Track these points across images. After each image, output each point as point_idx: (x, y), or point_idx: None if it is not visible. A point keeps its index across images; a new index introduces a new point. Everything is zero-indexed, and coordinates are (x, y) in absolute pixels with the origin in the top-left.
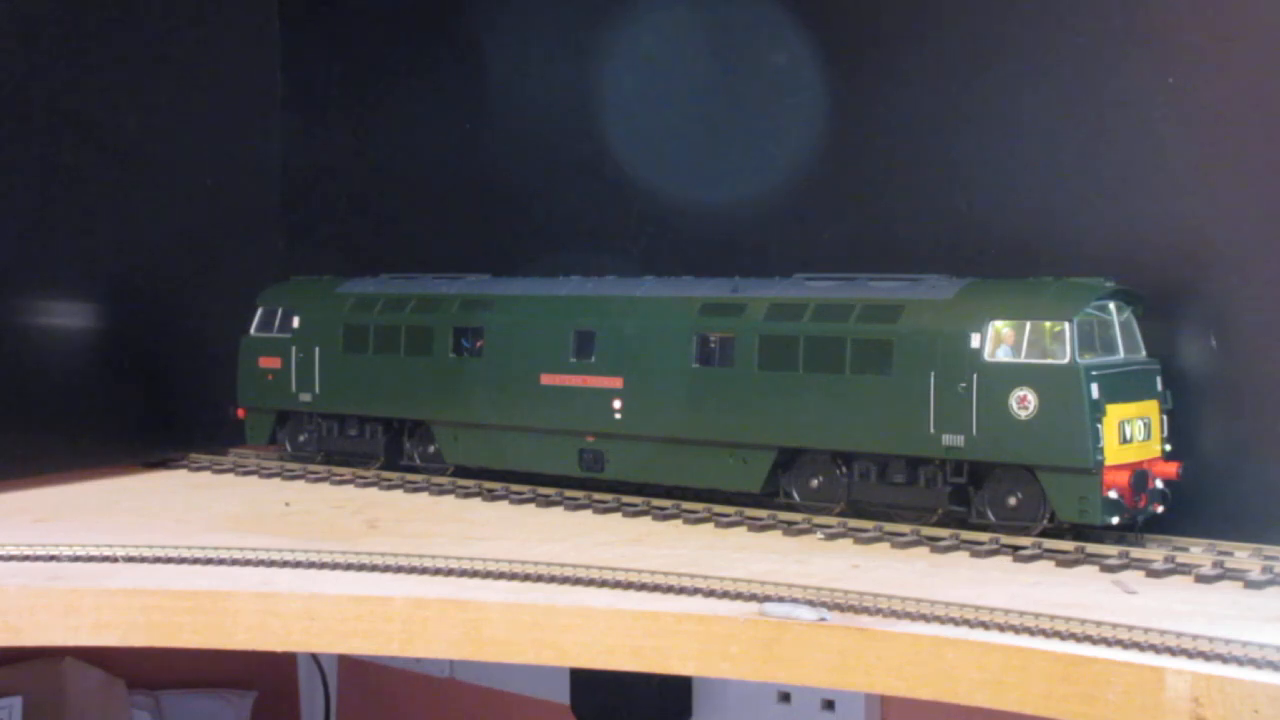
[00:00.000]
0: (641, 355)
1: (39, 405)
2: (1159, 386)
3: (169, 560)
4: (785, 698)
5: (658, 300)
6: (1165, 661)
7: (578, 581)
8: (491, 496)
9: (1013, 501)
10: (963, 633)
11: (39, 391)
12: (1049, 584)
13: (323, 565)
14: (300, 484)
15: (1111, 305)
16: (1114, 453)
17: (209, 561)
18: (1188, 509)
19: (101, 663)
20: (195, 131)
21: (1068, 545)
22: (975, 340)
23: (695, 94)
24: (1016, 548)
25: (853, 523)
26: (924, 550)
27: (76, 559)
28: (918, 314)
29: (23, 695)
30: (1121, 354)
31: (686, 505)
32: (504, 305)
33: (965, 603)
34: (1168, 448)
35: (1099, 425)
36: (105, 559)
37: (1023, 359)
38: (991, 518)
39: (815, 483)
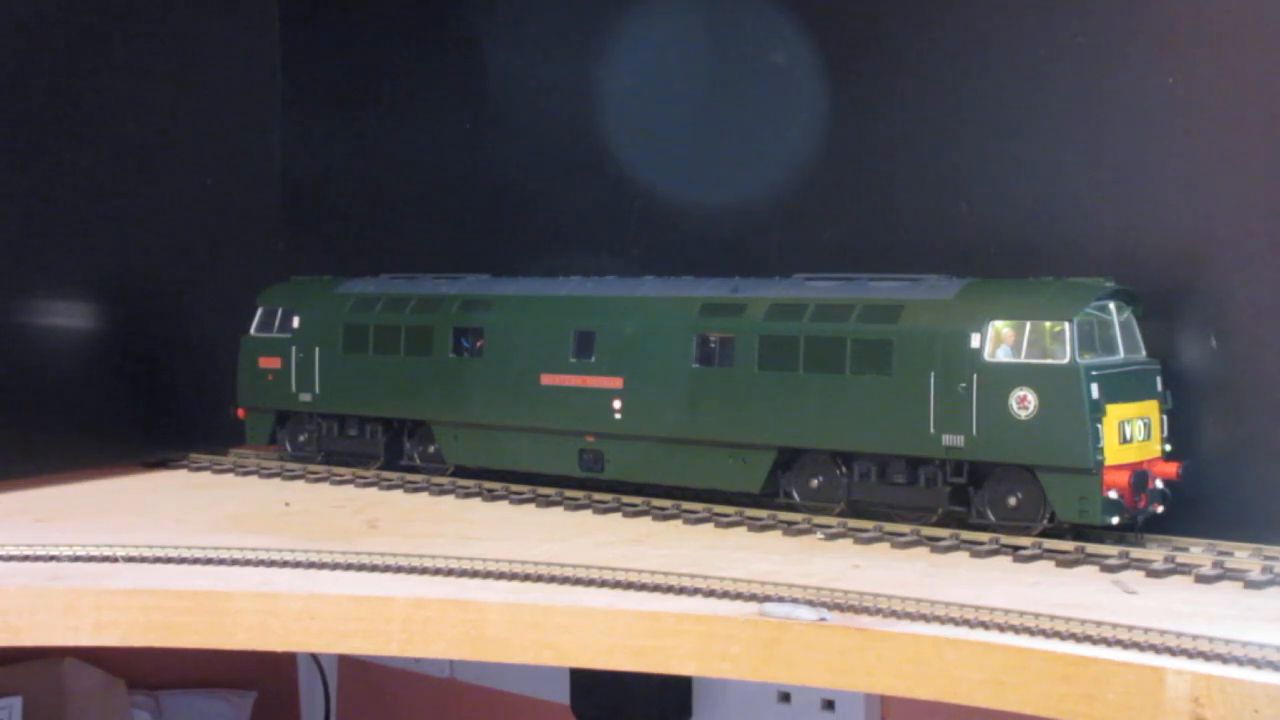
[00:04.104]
0: (641, 355)
1: (39, 405)
2: (1159, 386)
3: (169, 560)
4: (785, 698)
5: (658, 300)
6: (1165, 661)
7: (577, 581)
8: (491, 496)
9: (1013, 501)
10: (963, 633)
11: (39, 391)
12: (1049, 584)
13: (323, 565)
14: (300, 484)
15: (1111, 305)
16: (1114, 453)
17: (209, 561)
18: (1188, 509)
19: (101, 663)
20: (195, 131)
21: (1068, 545)
22: (975, 340)
23: (695, 94)
24: (1016, 548)
25: (853, 523)
26: (924, 550)
27: (76, 559)
28: (918, 314)
29: (23, 695)
30: (1121, 354)
31: (686, 505)
32: (504, 305)
33: (965, 603)
34: (1168, 448)
35: (1099, 425)
36: (105, 559)
37: (1023, 359)
38: (991, 518)
39: (815, 483)
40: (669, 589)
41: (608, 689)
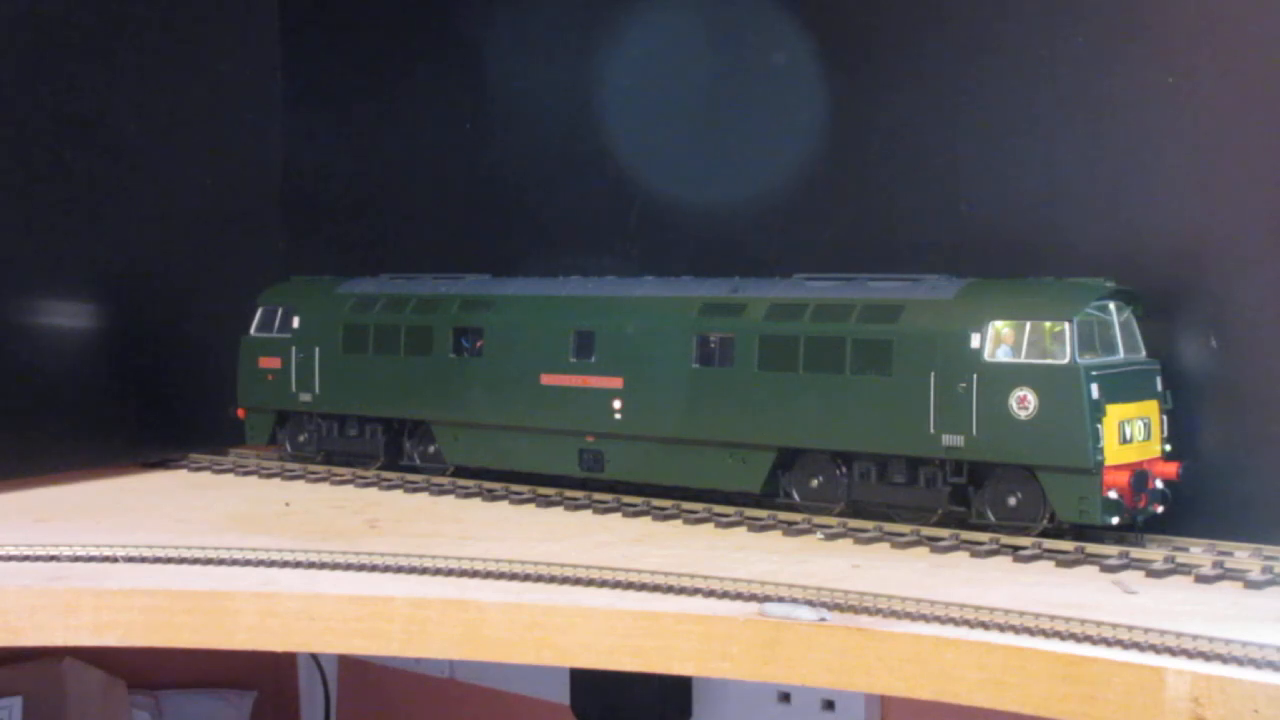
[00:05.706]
0: (641, 355)
1: (39, 405)
2: (1159, 386)
3: (169, 560)
4: (785, 698)
5: (658, 300)
6: (1165, 661)
7: (577, 581)
8: (491, 496)
9: (1013, 501)
10: (963, 633)
11: (39, 391)
12: (1049, 584)
13: (323, 565)
14: (300, 484)
15: (1111, 305)
16: (1114, 453)
17: (209, 561)
18: (1188, 509)
19: (101, 663)
20: (195, 131)
21: (1068, 545)
22: (975, 340)
23: (695, 94)
24: (1016, 548)
25: (853, 523)
26: (924, 550)
27: (76, 559)
28: (918, 314)
29: (23, 695)
30: (1121, 354)
31: (686, 505)
32: (504, 305)
33: (965, 603)
34: (1168, 448)
35: (1099, 425)
36: (105, 559)
37: (1023, 359)
38: (991, 518)
39: (815, 483)
40: (669, 589)
41: (608, 689)
